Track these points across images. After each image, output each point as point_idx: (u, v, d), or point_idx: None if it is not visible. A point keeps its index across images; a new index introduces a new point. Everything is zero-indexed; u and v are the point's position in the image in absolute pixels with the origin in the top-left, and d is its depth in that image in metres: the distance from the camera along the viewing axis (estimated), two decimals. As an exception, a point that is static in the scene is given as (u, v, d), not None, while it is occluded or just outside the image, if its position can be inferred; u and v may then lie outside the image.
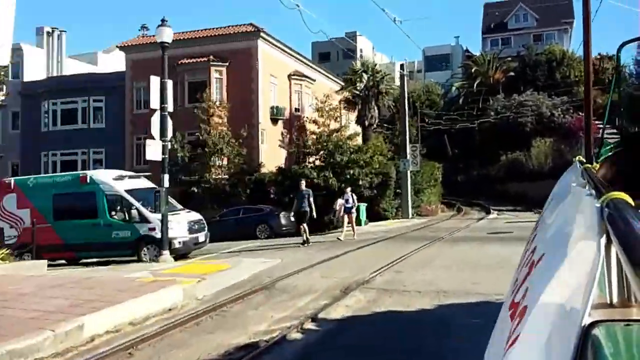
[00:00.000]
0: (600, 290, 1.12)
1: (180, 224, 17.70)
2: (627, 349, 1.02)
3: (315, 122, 29.47)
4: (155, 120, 16.56)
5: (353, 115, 37.65)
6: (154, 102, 16.59)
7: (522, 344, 1.05)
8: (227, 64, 34.53)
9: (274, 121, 35.64)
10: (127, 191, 18.17)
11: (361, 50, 72.38)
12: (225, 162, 30.75)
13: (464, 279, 9.83)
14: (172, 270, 12.89)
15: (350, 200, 19.76)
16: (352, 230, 19.81)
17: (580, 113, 38.53)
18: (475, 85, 62.35)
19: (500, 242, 15.34)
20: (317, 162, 28.33)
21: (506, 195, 48.65)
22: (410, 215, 31.45)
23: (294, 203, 19.58)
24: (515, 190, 46.78)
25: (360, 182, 26.79)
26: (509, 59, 63.30)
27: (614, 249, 1.08)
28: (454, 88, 68.50)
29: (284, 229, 26.07)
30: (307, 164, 28.24)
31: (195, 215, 18.90)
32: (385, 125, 53.82)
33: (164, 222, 15.83)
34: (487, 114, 56.54)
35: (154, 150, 16.09)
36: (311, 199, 17.83)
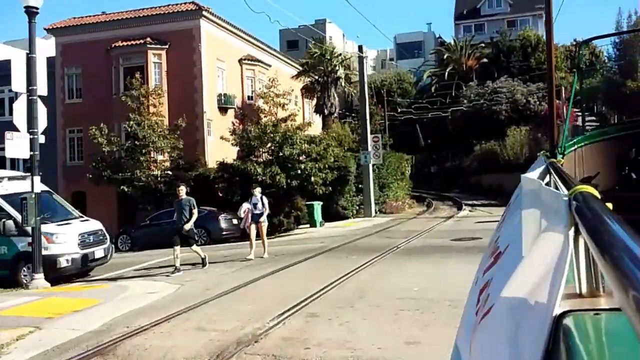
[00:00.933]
0: (569, 281, 1.12)
1: (69, 237, 14.13)
2: (597, 338, 1.06)
3: (260, 110, 25.92)
4: (21, 106, 12.96)
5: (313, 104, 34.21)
6: (18, 84, 12.92)
7: (491, 336, 1.12)
8: (167, 46, 30.82)
9: (223, 110, 32.05)
10: (4, 196, 14.51)
11: (330, 38, 68.75)
12: (165, 157, 27.13)
13: (398, 334, 6.49)
14: (10, 312, 9.37)
15: (260, 205, 15.12)
16: (263, 246, 15.14)
17: (557, 100, 35.88)
18: (447, 72, 59.39)
19: (465, 256, 12.09)
20: (266, 156, 24.84)
21: (481, 188, 45.84)
22: (373, 214, 28.17)
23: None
24: (489, 182, 43.92)
25: (313, 179, 23.36)
26: (483, 45, 60.52)
27: (582, 241, 1.11)
28: (425, 76, 65.38)
29: (225, 233, 22.66)
30: (252, 158, 24.74)
31: (93, 225, 15.29)
32: (353, 114, 50.53)
33: (34, 236, 12.28)
34: (460, 102, 53.54)
35: (17, 146, 12.52)
36: (194, 210, 13.82)
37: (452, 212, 29.15)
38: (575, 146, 14.62)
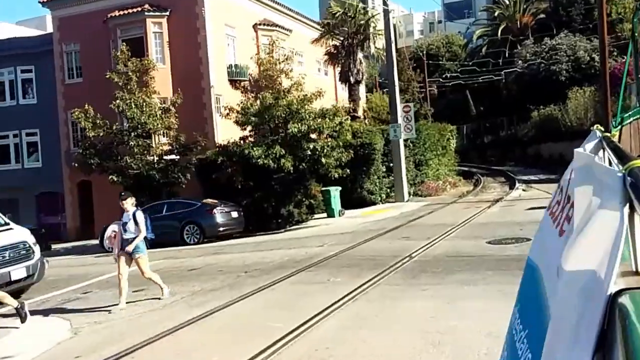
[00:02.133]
0: (625, 259, 1.09)
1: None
2: None
3: (256, 81, 21.93)
4: None
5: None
6: None
7: (554, 318, 1.12)
8: (167, 13, 27.17)
9: (235, 84, 28.22)
10: None
11: (373, 1, 63.76)
12: (165, 139, 23.65)
13: None
14: None
15: (132, 226, 9.40)
16: (155, 283, 9.83)
17: (624, 56, 30.41)
18: (500, 31, 53.47)
19: (498, 280, 8.00)
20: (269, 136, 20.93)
21: (539, 159, 40.69)
22: (405, 198, 23.93)
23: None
24: (549, 152, 38.72)
25: (324, 160, 19.31)
26: (540, -1, 54.06)
27: (637, 217, 1.07)
28: (475, 37, 59.52)
29: (222, 229, 19.06)
30: (253, 138, 20.90)
31: (11, 237, 11.80)
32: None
33: None
34: (515, 63, 47.85)
35: None
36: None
37: (502, 193, 24.54)
38: (631, 118, 13.97)
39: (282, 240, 16.75)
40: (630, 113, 14.72)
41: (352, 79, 28.14)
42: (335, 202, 21.04)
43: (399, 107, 23.81)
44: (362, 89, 30.58)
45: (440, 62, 60.89)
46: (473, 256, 10.46)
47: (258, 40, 30.40)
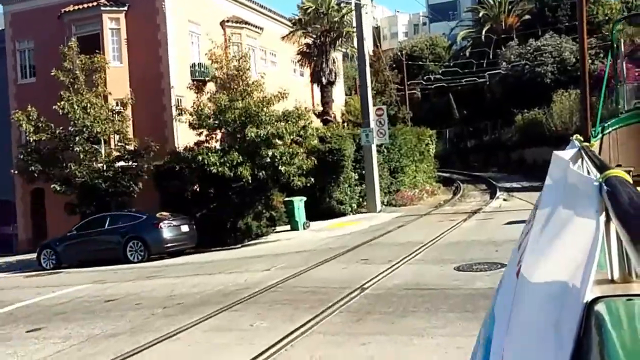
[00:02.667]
0: (601, 267, 1.11)
1: None
2: (630, 323, 1.04)
3: (222, 82, 20.08)
4: None
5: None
6: None
7: (524, 321, 1.13)
8: (125, 8, 25.29)
9: (200, 85, 26.35)
10: None
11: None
12: (118, 145, 21.73)
13: None
14: None
15: None
16: None
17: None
18: (484, 32, 52.02)
19: (461, 326, 6.31)
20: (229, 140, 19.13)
21: (523, 164, 39.23)
22: (378, 208, 22.19)
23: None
24: (533, 158, 37.21)
25: (282, 169, 17.52)
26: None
27: (613, 226, 1.08)
28: (459, 38, 58.04)
29: (169, 245, 17.19)
30: (205, 144, 19.08)
31: None
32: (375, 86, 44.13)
33: None
34: (499, 65, 46.37)
35: None
36: None
37: (482, 203, 22.89)
38: (610, 129, 14.17)
39: (230, 260, 14.92)
40: (610, 122, 14.66)
41: (324, 80, 26.42)
42: (300, 214, 19.26)
43: (371, 110, 22.08)
44: (337, 90, 28.84)
45: (422, 63, 59.32)
46: (435, 289, 8.73)
47: (226, 38, 28.61)
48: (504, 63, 45.68)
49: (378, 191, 22.28)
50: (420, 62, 57.52)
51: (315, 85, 28.52)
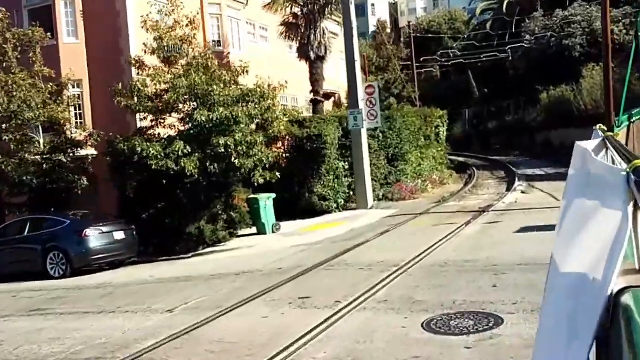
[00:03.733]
0: (628, 258, 1.08)
1: None
2: None
3: (193, 58, 16.57)
4: None
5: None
6: None
7: (550, 313, 1.14)
8: (80, -24, 21.89)
9: (169, 64, 22.91)
10: None
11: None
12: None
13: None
14: None
15: None
16: None
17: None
18: (505, 3, 47.55)
19: None
20: (179, 126, 15.68)
21: (549, 147, 35.14)
22: (370, 204, 18.59)
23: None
24: (560, 140, 33.05)
25: (235, 161, 14.03)
26: (551, -35, 47.88)
27: None
28: (479, 10, 53.55)
29: (97, 257, 13.88)
30: (154, 131, 15.70)
31: None
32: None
33: None
34: (522, 38, 42.06)
35: None
36: None
37: (495, 196, 19.13)
38: (636, 117, 14.21)
39: (155, 283, 11.56)
40: (636, 111, 14.17)
41: (312, 54, 22.76)
42: (267, 215, 15.79)
43: (360, 88, 18.39)
44: (329, 66, 25.14)
45: (440, 37, 55.10)
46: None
47: (203, 9, 25.08)
48: (527, 36, 41.41)
49: (369, 184, 18.66)
50: (439, 36, 53.23)
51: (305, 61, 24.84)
